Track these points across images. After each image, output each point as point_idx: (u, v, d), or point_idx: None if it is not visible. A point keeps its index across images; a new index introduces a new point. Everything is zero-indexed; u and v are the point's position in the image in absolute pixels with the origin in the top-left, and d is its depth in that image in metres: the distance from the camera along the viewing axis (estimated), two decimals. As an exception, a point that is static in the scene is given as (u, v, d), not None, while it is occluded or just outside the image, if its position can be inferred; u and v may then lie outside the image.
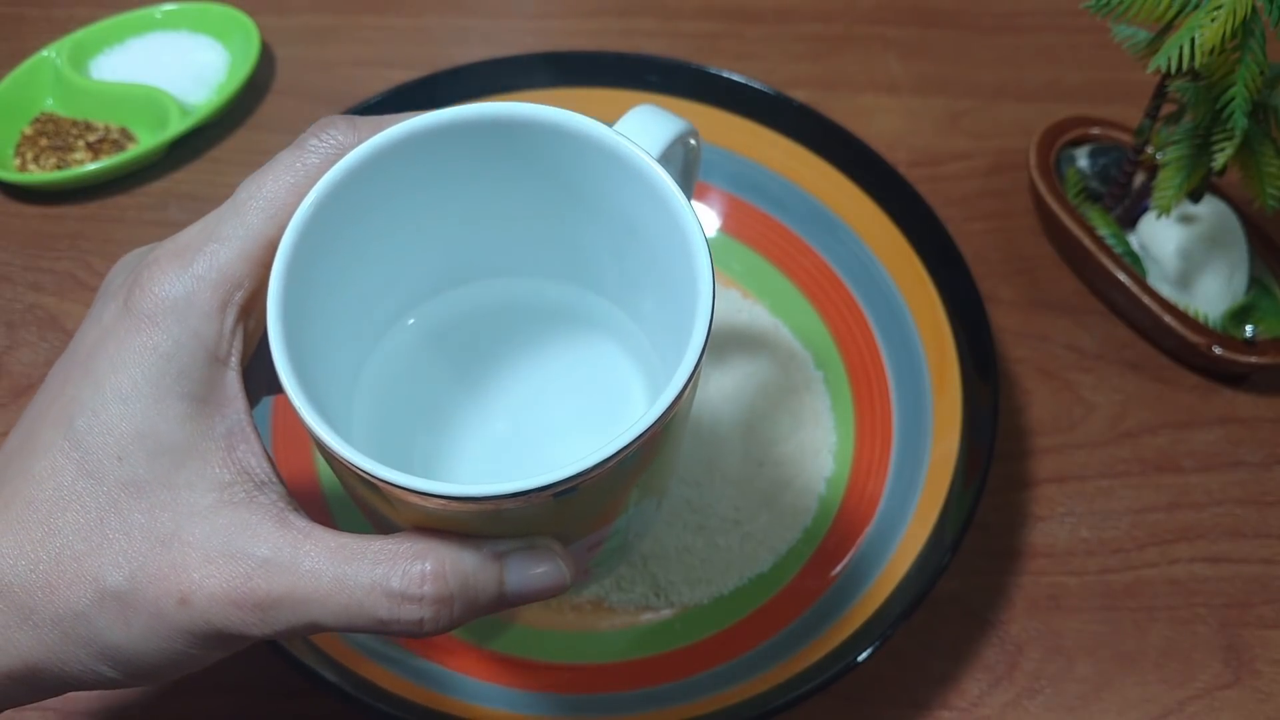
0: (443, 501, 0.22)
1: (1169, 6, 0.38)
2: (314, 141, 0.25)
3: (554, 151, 0.26)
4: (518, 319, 0.32)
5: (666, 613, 0.38)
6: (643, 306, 0.30)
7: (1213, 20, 0.35)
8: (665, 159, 0.28)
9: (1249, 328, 0.45)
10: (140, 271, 0.24)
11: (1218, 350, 0.43)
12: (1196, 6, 0.37)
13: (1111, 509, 0.42)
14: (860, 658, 0.34)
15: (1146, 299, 0.44)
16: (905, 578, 0.36)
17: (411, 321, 0.31)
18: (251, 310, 0.25)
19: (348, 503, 0.39)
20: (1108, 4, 0.38)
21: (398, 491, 0.22)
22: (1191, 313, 0.44)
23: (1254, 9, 0.36)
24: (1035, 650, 0.38)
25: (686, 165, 0.31)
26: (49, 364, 0.45)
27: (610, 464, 0.22)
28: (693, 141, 0.30)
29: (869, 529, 0.39)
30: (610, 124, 0.26)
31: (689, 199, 0.25)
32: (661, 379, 0.30)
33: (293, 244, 0.24)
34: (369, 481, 0.22)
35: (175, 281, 0.24)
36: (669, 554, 0.38)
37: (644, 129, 0.28)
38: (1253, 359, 0.43)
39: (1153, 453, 0.43)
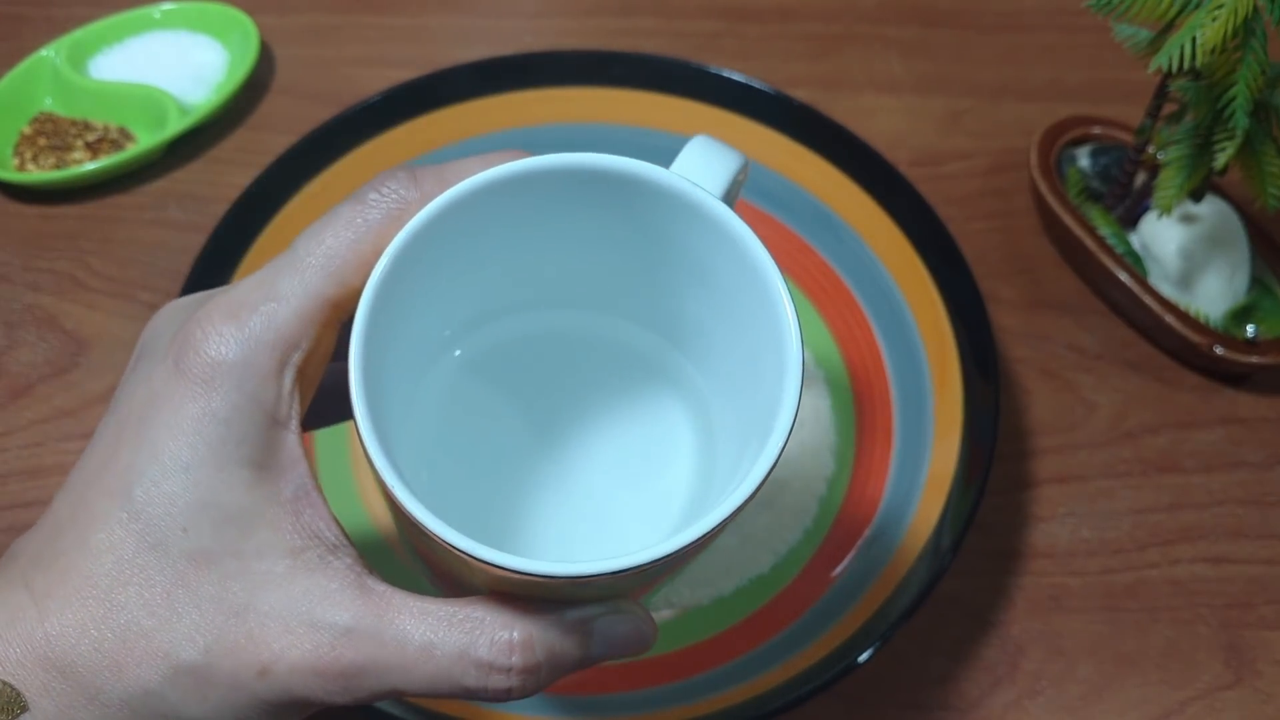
0: (533, 578, 0.21)
1: (1170, 6, 0.38)
2: (374, 196, 0.24)
3: (621, 199, 0.25)
4: (572, 354, 0.31)
5: (666, 613, 0.37)
6: (706, 351, 0.30)
7: (1214, 19, 0.35)
8: (723, 194, 0.28)
9: (1250, 327, 0.45)
10: (191, 330, 0.23)
11: (1219, 350, 0.43)
12: (1198, 6, 0.37)
13: (1113, 509, 0.42)
14: (861, 658, 0.34)
15: (1148, 299, 0.44)
16: (906, 578, 0.36)
17: (466, 354, 0.30)
18: (307, 370, 0.24)
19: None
20: (1109, 3, 0.38)
21: (490, 568, 0.21)
22: (1193, 312, 0.44)
23: (1255, 8, 0.36)
24: (1036, 651, 0.38)
25: (731, 195, 0.31)
26: (48, 364, 0.45)
27: (701, 542, 0.22)
28: (740, 177, 0.30)
29: (869, 529, 0.39)
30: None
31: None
32: (717, 428, 0.29)
33: (368, 315, 0.23)
34: (459, 556, 0.22)
35: (230, 342, 0.23)
36: (669, 554, 0.38)
37: (707, 165, 0.27)
38: (1254, 359, 0.43)
39: (1154, 453, 0.43)
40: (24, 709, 0.22)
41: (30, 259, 0.48)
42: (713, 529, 0.22)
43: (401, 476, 0.22)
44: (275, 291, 0.23)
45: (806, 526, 0.39)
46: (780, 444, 0.23)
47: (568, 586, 0.23)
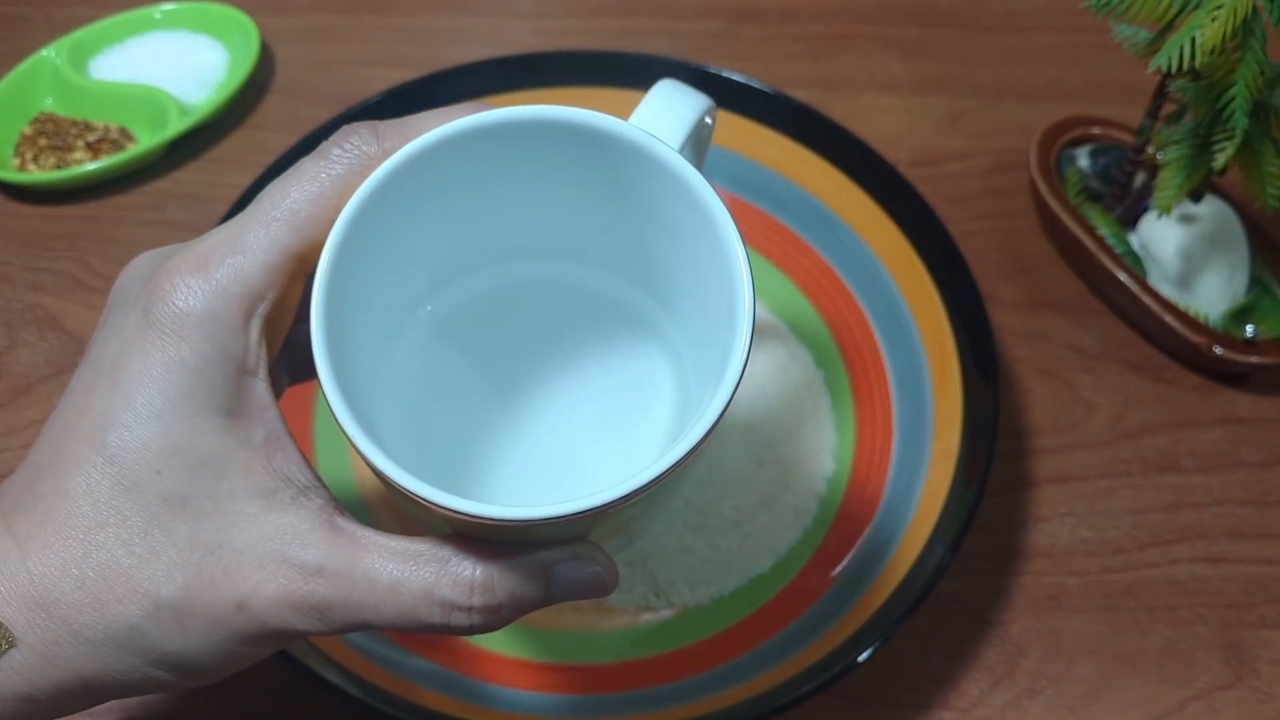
0: (492, 521, 0.22)
1: (1170, 6, 0.38)
2: (337, 151, 0.25)
3: (579, 150, 0.26)
4: (545, 303, 0.31)
5: (666, 613, 0.38)
6: (674, 298, 0.30)
7: (1213, 20, 0.35)
8: (686, 139, 0.28)
9: (1249, 327, 0.45)
10: (160, 281, 0.24)
11: (1218, 350, 0.43)
12: (1197, 6, 0.37)
13: (1112, 509, 0.42)
14: (860, 658, 0.34)
15: (1147, 299, 0.44)
16: (905, 578, 0.36)
17: (438, 308, 0.31)
18: (274, 320, 0.25)
19: (349, 496, 0.39)
20: (1108, 3, 0.38)
21: (449, 514, 0.22)
22: (1192, 313, 0.44)
23: (1255, 9, 0.36)
24: (1036, 650, 0.38)
25: (700, 142, 0.31)
26: (49, 364, 0.45)
27: (657, 483, 0.22)
28: (708, 120, 0.30)
29: (869, 529, 0.39)
30: (632, 108, 0.26)
31: (702, 173, 0.25)
32: (690, 372, 0.30)
33: (330, 270, 0.24)
34: (419, 502, 0.22)
35: (197, 293, 0.24)
36: (669, 554, 0.38)
37: (669, 110, 0.28)
38: (1253, 359, 0.43)
39: (1153, 453, 0.43)
40: (12, 644, 0.22)
41: (31, 259, 0.48)
42: (660, 475, 0.22)
43: (363, 423, 0.23)
44: (241, 244, 0.24)
45: (806, 526, 0.39)
46: (729, 392, 0.23)
47: (525, 529, 0.23)
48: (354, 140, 0.25)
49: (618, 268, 0.31)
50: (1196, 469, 0.43)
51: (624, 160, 0.26)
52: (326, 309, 0.24)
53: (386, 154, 0.25)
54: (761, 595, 0.38)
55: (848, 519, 0.39)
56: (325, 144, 0.25)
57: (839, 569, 0.38)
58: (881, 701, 0.37)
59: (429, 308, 0.31)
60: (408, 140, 0.25)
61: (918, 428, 0.40)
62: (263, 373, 0.24)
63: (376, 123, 0.26)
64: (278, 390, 0.25)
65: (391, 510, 0.39)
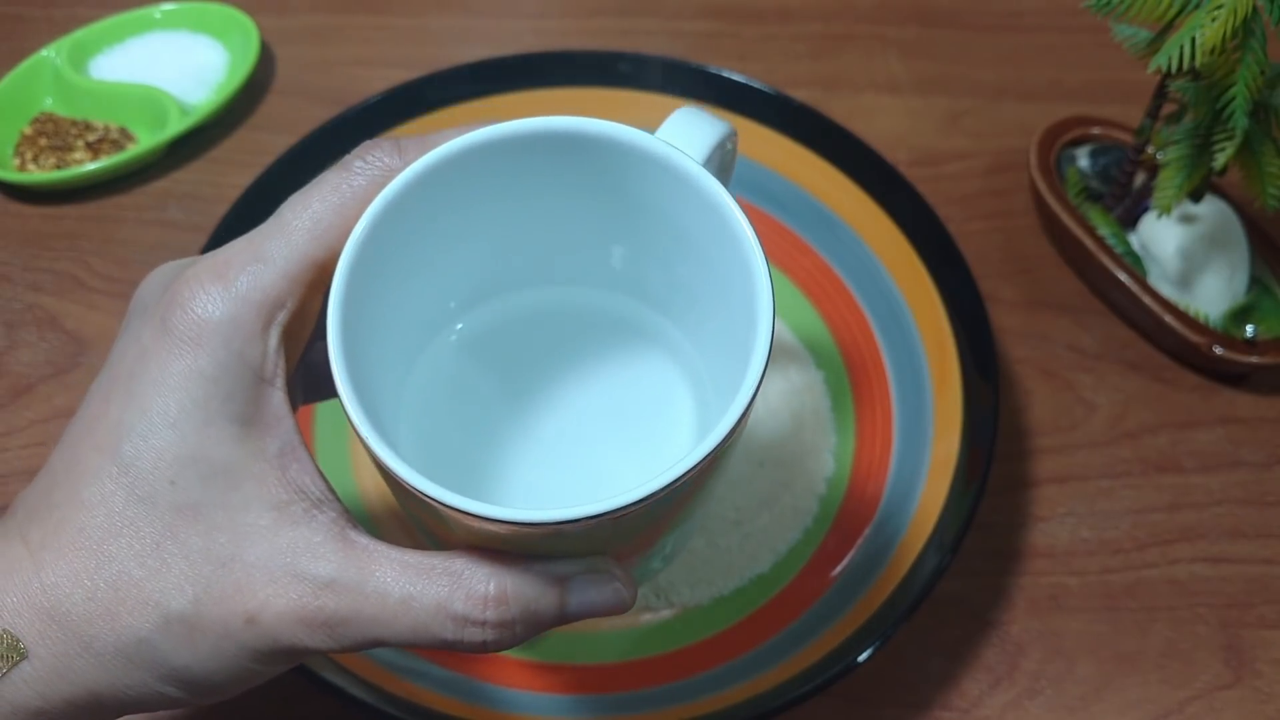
0: (508, 526, 0.22)
1: (1170, 6, 0.38)
2: (359, 163, 0.25)
3: (598, 161, 0.26)
4: (564, 326, 0.32)
5: (666, 613, 0.38)
6: (691, 316, 0.30)
7: (1213, 20, 0.35)
8: (706, 162, 0.28)
9: (1249, 327, 0.45)
10: (179, 289, 0.24)
11: (1218, 350, 0.43)
12: (1197, 6, 0.37)
13: (1112, 509, 0.42)
14: (860, 658, 0.34)
15: (1147, 299, 0.44)
16: (905, 578, 0.36)
17: (459, 328, 0.31)
18: (293, 329, 0.25)
19: (355, 513, 0.39)
20: (1108, 3, 0.38)
21: (462, 517, 0.22)
22: (1192, 313, 0.44)
23: (1255, 8, 0.36)
24: (1036, 650, 0.38)
25: (722, 167, 0.31)
26: (49, 364, 0.45)
27: (673, 487, 0.22)
28: (729, 146, 0.30)
29: (869, 529, 0.39)
30: (650, 129, 0.26)
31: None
32: (709, 390, 0.30)
33: (348, 272, 0.24)
34: (433, 506, 0.22)
35: (217, 301, 0.23)
36: (669, 554, 0.38)
37: (688, 133, 0.28)
38: (1253, 359, 0.43)
39: (1153, 453, 0.43)
40: (23, 656, 0.22)
41: (31, 259, 0.48)
42: (675, 480, 0.22)
43: (379, 430, 0.23)
44: (261, 253, 0.24)
45: (806, 526, 0.39)
46: (747, 398, 0.23)
47: (541, 537, 0.23)
48: (376, 153, 0.25)
49: (634, 288, 0.31)
50: (1196, 469, 0.43)
51: (642, 171, 0.26)
52: (344, 310, 0.24)
53: (408, 166, 0.25)
54: (761, 595, 0.38)
55: (848, 519, 0.39)
56: (347, 157, 0.25)
57: (839, 569, 0.38)
58: (881, 701, 0.37)
59: (457, 328, 0.31)
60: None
61: (918, 428, 0.40)
62: (280, 382, 0.24)
63: (399, 138, 0.26)
64: (292, 406, 0.25)
65: (399, 523, 0.39)
